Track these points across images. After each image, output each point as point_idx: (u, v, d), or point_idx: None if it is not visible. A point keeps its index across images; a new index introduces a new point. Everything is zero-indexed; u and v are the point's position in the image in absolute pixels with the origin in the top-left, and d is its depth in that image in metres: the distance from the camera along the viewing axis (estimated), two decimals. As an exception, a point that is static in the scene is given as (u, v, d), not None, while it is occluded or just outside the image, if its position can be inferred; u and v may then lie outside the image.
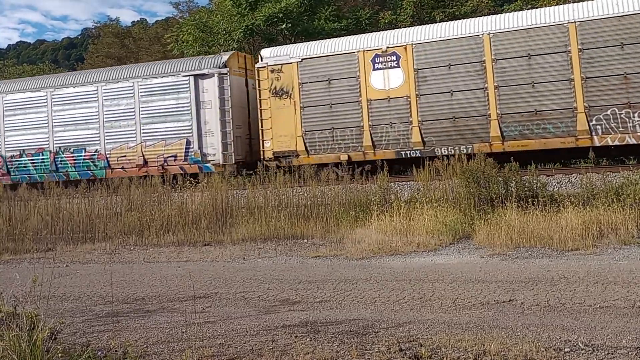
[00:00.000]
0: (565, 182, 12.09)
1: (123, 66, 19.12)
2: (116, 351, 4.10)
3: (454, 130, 14.35)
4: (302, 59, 15.86)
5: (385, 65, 15.08)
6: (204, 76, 17.00)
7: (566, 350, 4.14)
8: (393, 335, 4.68)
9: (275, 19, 23.19)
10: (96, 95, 18.10)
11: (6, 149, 19.23)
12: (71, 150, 18.34)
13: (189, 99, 17.04)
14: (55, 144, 18.55)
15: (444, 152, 14.27)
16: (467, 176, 10.39)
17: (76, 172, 18.19)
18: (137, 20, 75.54)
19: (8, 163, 19.14)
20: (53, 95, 18.61)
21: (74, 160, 18.27)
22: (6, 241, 11.65)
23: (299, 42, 18.52)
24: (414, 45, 14.82)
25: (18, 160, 19.02)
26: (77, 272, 8.74)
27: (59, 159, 18.46)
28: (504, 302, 5.54)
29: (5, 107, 19.24)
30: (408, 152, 14.77)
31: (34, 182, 17.94)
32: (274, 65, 16.14)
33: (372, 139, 15.02)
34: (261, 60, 16.51)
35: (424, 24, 19.52)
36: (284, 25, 23.18)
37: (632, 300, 5.29)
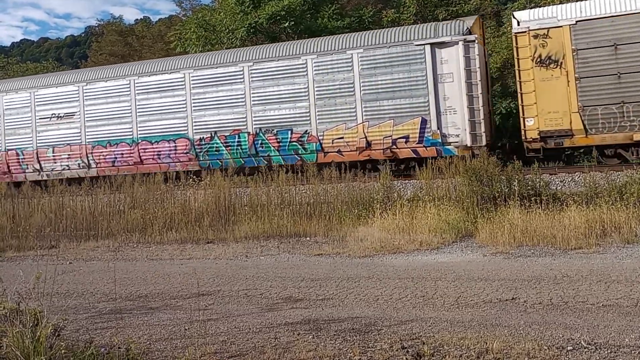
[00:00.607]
0: (569, 181, 12.07)
1: (337, 36, 17.09)
2: (119, 348, 4.11)
3: None
4: (577, 21, 13.53)
5: None
6: (442, 45, 14.77)
7: (569, 348, 4.14)
8: (395, 333, 4.68)
9: (278, 17, 23.17)
10: (305, 69, 15.99)
11: (194, 131, 16.96)
12: (274, 131, 16.12)
13: (424, 72, 14.82)
14: (255, 124, 16.33)
15: None
16: (470, 175, 10.39)
17: (280, 157, 16.02)
18: (140, 19, 75.61)
19: (196, 147, 16.92)
20: (251, 70, 16.49)
21: (278, 143, 16.10)
22: (10, 238, 11.70)
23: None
24: None
25: (209, 144, 16.79)
26: (81, 269, 8.76)
27: (259, 141, 16.27)
28: (506, 300, 5.54)
29: (193, 84, 17.08)
30: None
31: (227, 167, 15.59)
32: (538, 29, 13.91)
33: None
34: (518, 24, 14.26)
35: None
36: (287, 24, 23.17)
37: (635, 299, 5.28)
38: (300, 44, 16.80)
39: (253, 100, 16.46)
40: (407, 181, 13.25)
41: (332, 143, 15.60)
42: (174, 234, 11.08)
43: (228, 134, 16.64)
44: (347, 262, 8.07)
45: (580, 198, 9.55)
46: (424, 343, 4.33)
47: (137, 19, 78.70)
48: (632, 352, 4.03)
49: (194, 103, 17.08)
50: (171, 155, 17.29)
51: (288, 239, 10.16)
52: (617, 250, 7.57)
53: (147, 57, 30.36)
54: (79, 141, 18.48)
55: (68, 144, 18.61)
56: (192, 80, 17.14)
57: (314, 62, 15.90)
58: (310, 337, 4.67)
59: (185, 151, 17.12)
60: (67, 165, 18.57)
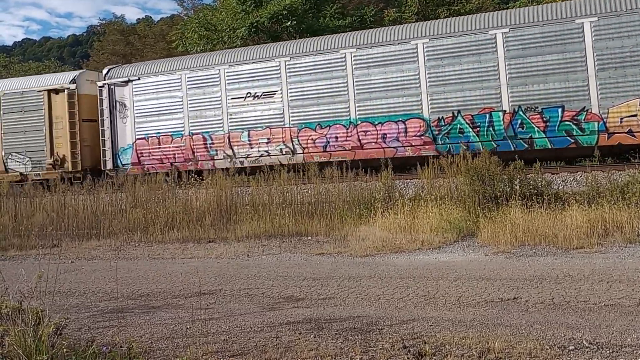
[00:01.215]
0: (571, 180, 12.06)
1: None
2: (121, 347, 4.11)
3: None
4: None
5: None
6: None
7: (570, 348, 4.14)
8: (397, 332, 4.68)
9: (279, 17, 23.20)
10: (580, 35, 13.65)
11: (431, 110, 14.80)
12: (538, 109, 13.88)
13: None
14: (512, 101, 14.17)
15: None
16: (471, 174, 10.37)
17: (546, 139, 13.79)
18: (142, 18, 75.73)
19: (434, 128, 14.79)
20: (507, 37, 14.26)
21: (545, 122, 13.84)
22: (12, 237, 11.72)
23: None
24: None
25: (450, 125, 14.65)
26: (82, 268, 8.77)
27: (518, 121, 14.09)
28: (508, 300, 5.53)
29: (429, 56, 14.99)
30: None
31: (473, 151, 12.88)
32: None
33: None
34: None
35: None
36: (288, 23, 23.18)
37: (637, 299, 5.27)
38: (572, 4, 14.26)
39: (509, 73, 14.25)
40: (408, 180, 13.25)
41: (621, 122, 13.29)
42: (176, 233, 11.09)
43: (475, 112, 14.48)
44: (348, 261, 8.07)
45: (582, 197, 9.54)
46: (425, 342, 4.33)
47: (138, 19, 78.94)
48: (634, 351, 4.03)
49: (429, 78, 14.93)
50: (400, 139, 15.13)
51: (289, 238, 10.17)
52: (619, 249, 7.55)
53: (149, 57, 30.37)
54: (281, 123, 16.28)
55: (268, 127, 16.43)
56: (427, 51, 14.99)
57: (594, 26, 13.55)
58: (312, 336, 4.68)
59: (418, 133, 14.97)
60: (267, 151, 16.44)
